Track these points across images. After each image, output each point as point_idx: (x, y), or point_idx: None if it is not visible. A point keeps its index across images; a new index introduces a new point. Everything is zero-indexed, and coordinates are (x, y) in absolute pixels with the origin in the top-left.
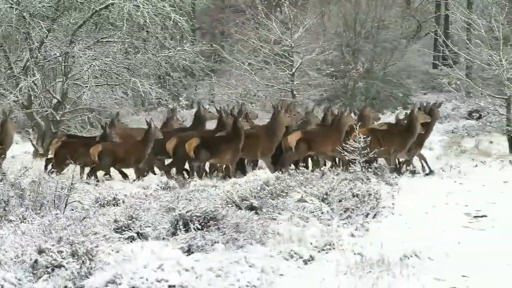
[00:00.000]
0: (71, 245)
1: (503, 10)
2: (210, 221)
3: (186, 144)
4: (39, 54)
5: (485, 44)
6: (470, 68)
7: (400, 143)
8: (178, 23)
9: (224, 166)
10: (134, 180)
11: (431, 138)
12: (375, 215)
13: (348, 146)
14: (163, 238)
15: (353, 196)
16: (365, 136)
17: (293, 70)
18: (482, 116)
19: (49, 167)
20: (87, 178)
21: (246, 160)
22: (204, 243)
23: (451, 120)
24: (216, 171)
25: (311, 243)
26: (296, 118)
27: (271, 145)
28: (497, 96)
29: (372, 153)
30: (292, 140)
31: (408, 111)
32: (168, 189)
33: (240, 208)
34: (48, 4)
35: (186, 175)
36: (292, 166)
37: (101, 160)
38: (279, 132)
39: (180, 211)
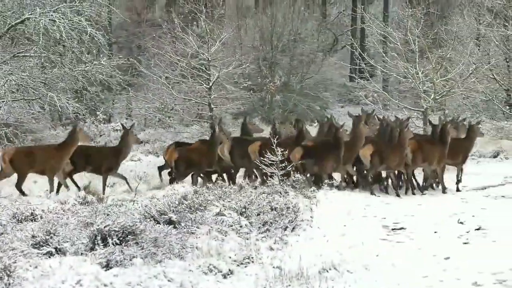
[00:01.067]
0: None
1: (419, 23)
2: (129, 236)
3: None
4: None
5: (401, 57)
6: (387, 81)
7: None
8: (95, 37)
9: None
10: (50, 194)
11: None
12: (293, 228)
13: (265, 159)
14: (82, 253)
15: (272, 209)
16: (283, 150)
17: (210, 84)
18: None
19: None
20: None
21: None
22: (122, 258)
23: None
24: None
25: (230, 257)
26: (373, 129)
27: (352, 156)
28: (413, 108)
29: (290, 166)
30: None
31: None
32: (86, 204)
33: (159, 223)
34: None
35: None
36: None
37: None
38: (359, 143)
39: (98, 226)
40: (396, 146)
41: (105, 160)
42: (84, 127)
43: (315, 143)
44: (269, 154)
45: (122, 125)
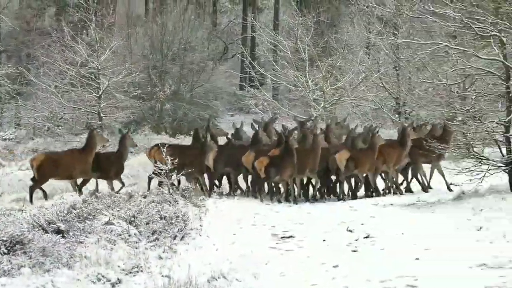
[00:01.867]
0: None
1: (309, 32)
2: (17, 245)
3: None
4: None
5: (291, 66)
6: (277, 89)
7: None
8: None
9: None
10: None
11: None
12: (183, 237)
13: (156, 168)
14: None
15: (161, 218)
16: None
17: (100, 93)
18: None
19: None
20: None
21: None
22: (10, 267)
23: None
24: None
25: (119, 266)
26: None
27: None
28: (303, 117)
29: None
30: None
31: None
32: None
33: (47, 232)
34: None
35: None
36: None
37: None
38: (318, 150)
39: None
40: (368, 152)
41: (112, 165)
42: None
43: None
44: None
45: (120, 129)
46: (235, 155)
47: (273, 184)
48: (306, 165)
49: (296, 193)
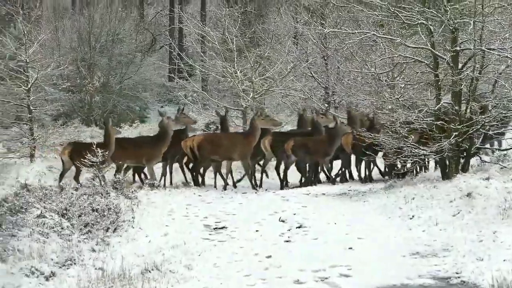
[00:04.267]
0: None
1: (236, 22)
2: None
3: None
4: None
5: (219, 56)
6: (206, 80)
7: None
8: None
9: None
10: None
11: None
12: (115, 229)
13: (86, 160)
14: None
15: (93, 210)
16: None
17: (29, 86)
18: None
19: None
20: None
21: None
22: None
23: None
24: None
25: (52, 259)
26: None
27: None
28: (233, 108)
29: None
30: None
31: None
32: None
33: None
34: None
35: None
36: None
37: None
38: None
39: None
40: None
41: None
42: None
43: None
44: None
45: (104, 121)
46: None
47: None
48: None
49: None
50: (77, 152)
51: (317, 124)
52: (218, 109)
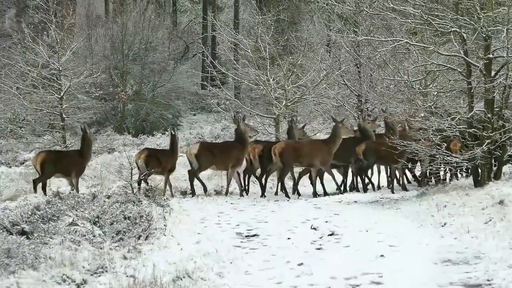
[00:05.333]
0: None
1: (269, 30)
2: None
3: None
4: None
5: (252, 64)
6: (239, 88)
7: None
8: None
9: None
10: None
11: None
12: (147, 237)
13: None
14: None
15: (125, 218)
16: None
17: (62, 94)
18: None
19: None
20: None
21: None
22: None
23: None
24: None
25: (84, 267)
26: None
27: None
28: (266, 115)
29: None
30: None
31: None
32: None
33: (11, 233)
34: None
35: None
36: None
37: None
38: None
39: None
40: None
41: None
42: None
43: None
44: None
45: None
46: None
47: None
48: None
49: None
50: (152, 157)
51: (364, 130)
52: (251, 117)
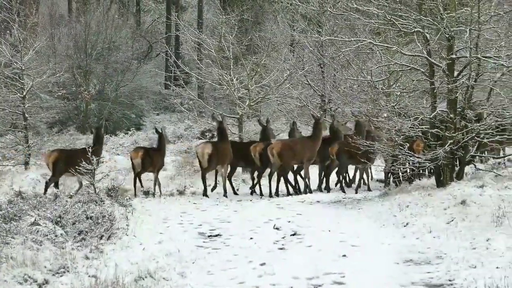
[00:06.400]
0: None
1: (233, 30)
2: None
3: None
4: None
5: (216, 64)
6: (202, 88)
7: None
8: None
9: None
10: None
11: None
12: (109, 237)
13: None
14: None
15: (87, 218)
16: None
17: (24, 93)
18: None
19: None
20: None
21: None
22: None
23: (184, 140)
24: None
25: (45, 267)
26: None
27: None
28: (229, 115)
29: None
30: None
31: None
32: None
33: None
34: None
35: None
36: None
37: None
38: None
39: None
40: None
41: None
42: None
43: None
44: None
45: (158, 131)
46: None
47: None
48: None
49: None
50: (147, 156)
51: (337, 131)
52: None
